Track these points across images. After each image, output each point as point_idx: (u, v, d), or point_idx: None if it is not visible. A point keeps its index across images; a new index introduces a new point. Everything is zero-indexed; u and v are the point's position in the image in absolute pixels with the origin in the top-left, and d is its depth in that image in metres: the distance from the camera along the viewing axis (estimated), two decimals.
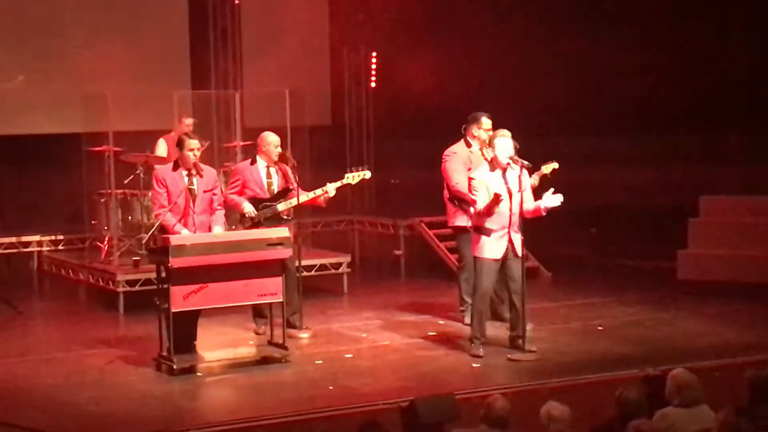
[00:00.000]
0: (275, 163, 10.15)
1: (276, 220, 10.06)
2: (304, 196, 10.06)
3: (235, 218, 10.25)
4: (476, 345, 9.38)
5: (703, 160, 13.96)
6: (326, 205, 10.52)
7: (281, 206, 10.08)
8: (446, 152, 10.39)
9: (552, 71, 14.81)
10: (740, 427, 6.08)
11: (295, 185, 10.06)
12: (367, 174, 10.29)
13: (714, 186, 13.54)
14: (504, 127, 9.53)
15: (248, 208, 10.04)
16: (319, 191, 10.13)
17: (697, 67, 14.00)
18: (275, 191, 10.14)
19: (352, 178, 10.24)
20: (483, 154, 9.58)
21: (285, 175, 10.18)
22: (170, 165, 9.45)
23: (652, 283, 12.47)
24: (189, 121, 12.46)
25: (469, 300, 10.39)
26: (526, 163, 9.29)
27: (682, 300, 11.56)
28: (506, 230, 9.23)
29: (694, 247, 12.98)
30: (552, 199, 9.22)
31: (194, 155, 9.24)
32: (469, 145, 10.32)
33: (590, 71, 14.63)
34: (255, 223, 10.01)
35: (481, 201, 9.21)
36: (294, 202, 10.06)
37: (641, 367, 8.60)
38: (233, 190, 10.16)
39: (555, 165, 10.26)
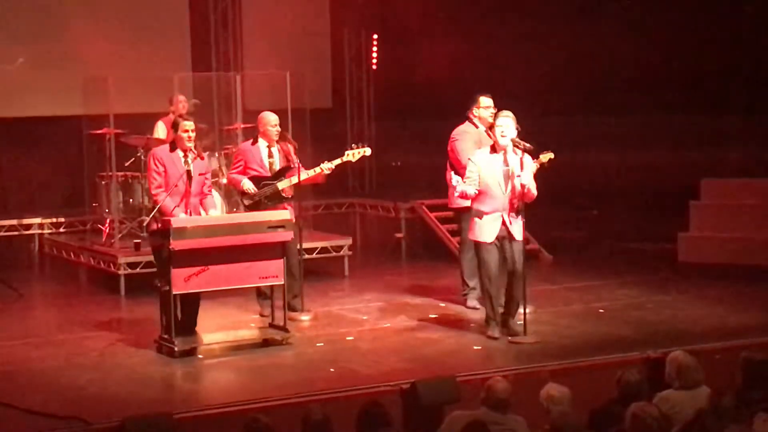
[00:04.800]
0: (276, 142, 10.15)
1: (277, 199, 10.04)
2: (304, 174, 10.03)
3: (236, 198, 10.23)
4: (492, 326, 9.36)
5: (704, 143, 13.93)
6: (324, 180, 10.46)
7: (282, 184, 10.06)
8: (455, 132, 10.34)
9: (554, 51, 14.76)
10: (727, 408, 6.09)
11: (296, 164, 10.05)
12: (367, 151, 10.24)
13: (715, 168, 13.53)
14: (506, 107, 9.51)
15: (248, 185, 10.03)
16: (318, 169, 10.09)
17: (700, 47, 13.96)
18: (276, 170, 10.14)
19: (352, 155, 10.20)
20: (489, 135, 9.57)
21: (287, 155, 10.17)
22: (167, 146, 9.43)
23: (653, 266, 12.47)
24: (182, 98, 12.46)
25: (470, 283, 10.40)
26: (527, 145, 9.26)
27: (683, 283, 11.55)
28: (499, 214, 9.21)
29: (696, 230, 12.97)
30: (524, 177, 9.20)
31: (189, 137, 9.23)
32: (475, 126, 10.30)
33: (590, 52, 14.58)
34: (255, 202, 10.01)
35: (466, 183, 9.23)
36: (294, 180, 10.02)
37: (642, 349, 8.64)
38: (235, 170, 10.17)
39: (551, 155, 10.12)
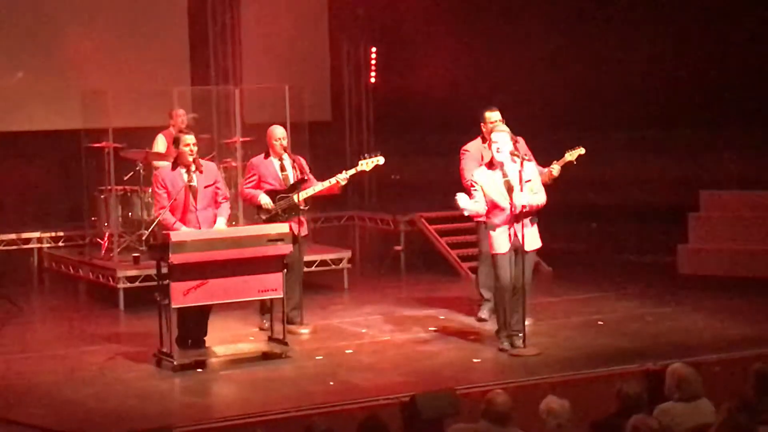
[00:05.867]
0: (289, 155, 10.16)
1: (294, 211, 10.05)
2: (319, 186, 10.09)
3: (252, 212, 10.22)
4: (502, 339, 9.38)
5: (704, 154, 13.94)
6: (340, 191, 10.46)
7: (298, 197, 10.06)
8: (462, 149, 10.33)
9: (550, 66, 14.79)
10: (740, 422, 6.09)
11: (310, 176, 10.08)
12: (381, 160, 10.19)
13: (714, 180, 13.53)
14: (505, 120, 9.51)
15: (265, 200, 10.04)
16: (333, 180, 10.11)
17: (699, 60, 13.98)
18: (291, 183, 10.14)
19: (366, 164, 10.18)
20: None
21: (300, 167, 10.19)
22: (169, 165, 9.49)
23: (653, 278, 12.47)
24: (181, 112, 12.48)
25: (485, 295, 10.40)
26: (525, 156, 9.28)
27: (683, 295, 11.54)
28: (508, 225, 9.23)
29: (695, 242, 12.98)
30: (521, 197, 9.19)
31: (190, 150, 9.27)
32: (485, 140, 10.25)
33: (589, 66, 14.61)
34: (273, 216, 10.01)
35: (473, 201, 9.25)
36: (309, 192, 10.05)
37: (641, 361, 8.63)
38: (249, 185, 10.18)
39: (581, 150, 10.01)
